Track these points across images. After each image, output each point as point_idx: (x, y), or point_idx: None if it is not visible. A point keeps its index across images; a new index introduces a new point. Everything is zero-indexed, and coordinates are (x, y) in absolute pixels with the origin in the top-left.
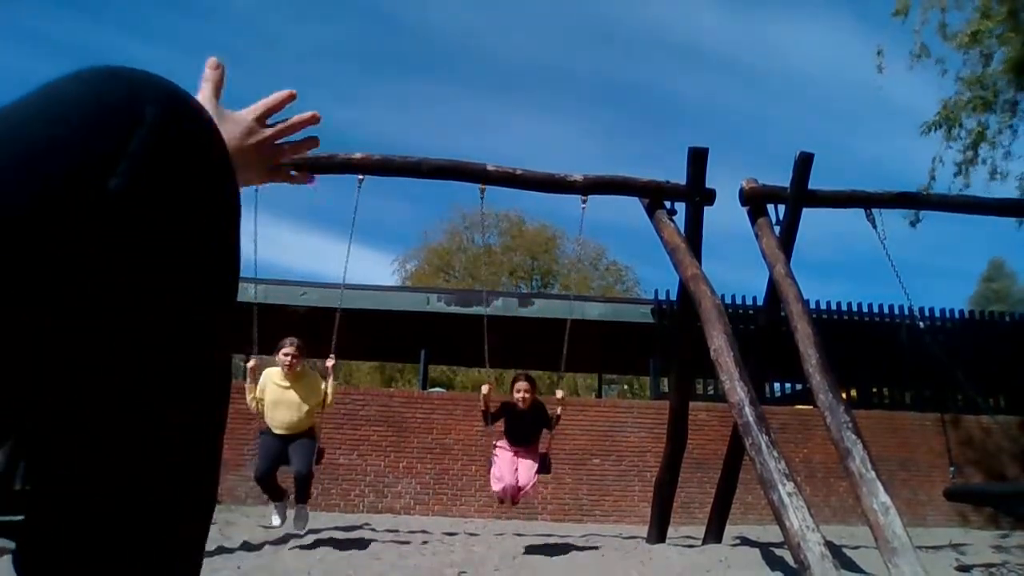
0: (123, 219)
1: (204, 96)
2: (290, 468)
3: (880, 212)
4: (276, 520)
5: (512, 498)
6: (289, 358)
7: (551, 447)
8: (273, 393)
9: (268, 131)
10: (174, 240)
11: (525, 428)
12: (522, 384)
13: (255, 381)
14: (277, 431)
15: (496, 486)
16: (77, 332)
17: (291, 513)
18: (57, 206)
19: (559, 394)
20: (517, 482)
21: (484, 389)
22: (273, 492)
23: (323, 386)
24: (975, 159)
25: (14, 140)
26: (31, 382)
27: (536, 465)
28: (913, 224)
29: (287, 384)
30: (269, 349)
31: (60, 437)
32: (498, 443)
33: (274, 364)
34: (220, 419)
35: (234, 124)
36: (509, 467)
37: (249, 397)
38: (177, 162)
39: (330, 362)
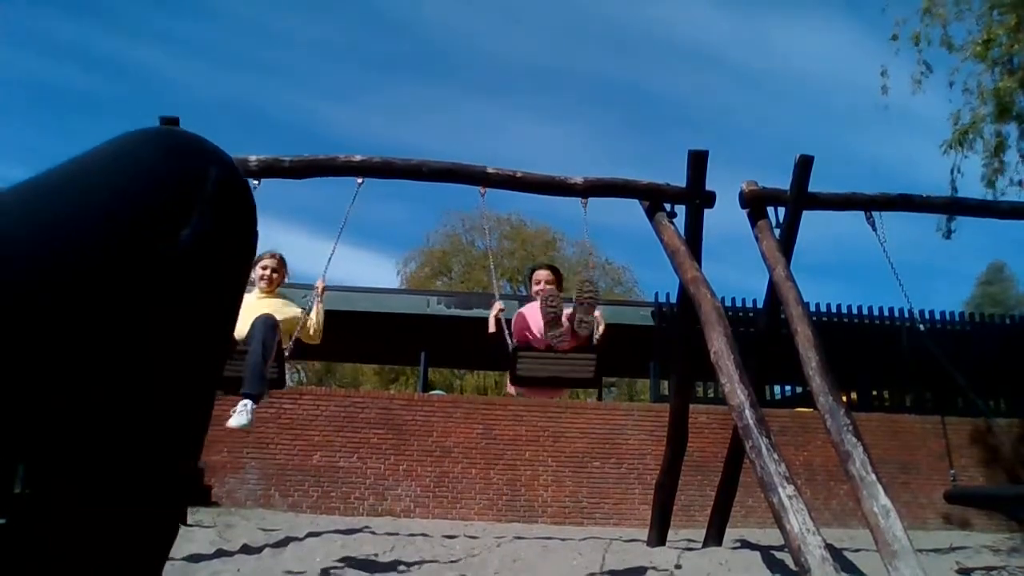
0: (189, 265)
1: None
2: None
3: (880, 215)
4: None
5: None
6: (268, 271)
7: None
8: (248, 310)
9: None
10: (222, 279)
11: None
12: (543, 273)
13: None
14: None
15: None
16: (128, 360)
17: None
18: (140, 255)
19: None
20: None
21: (496, 307)
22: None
23: (303, 309)
24: (1001, 168)
25: (97, 192)
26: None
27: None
28: (947, 236)
29: (262, 297)
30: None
31: (73, 449)
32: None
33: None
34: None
35: None
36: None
37: None
38: (231, 215)
39: (320, 283)
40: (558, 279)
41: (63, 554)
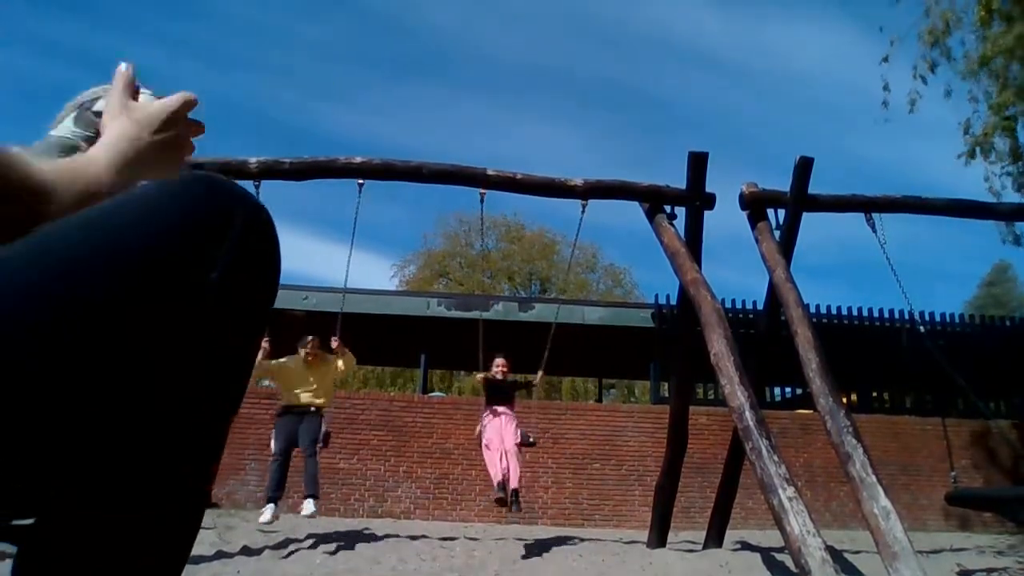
0: (218, 297)
1: (115, 91)
2: (299, 446)
3: (880, 216)
4: (266, 515)
5: (506, 481)
6: (312, 349)
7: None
8: (293, 376)
9: (172, 131)
10: (248, 310)
11: (504, 391)
12: (500, 360)
13: (267, 357)
14: (295, 404)
15: (492, 468)
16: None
17: (306, 505)
18: (174, 286)
19: (539, 375)
20: (504, 444)
21: (479, 376)
22: (278, 478)
23: (337, 361)
24: None
25: (136, 238)
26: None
27: (515, 421)
28: (1016, 242)
29: (307, 368)
30: (271, 352)
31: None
32: (484, 415)
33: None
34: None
35: (140, 118)
36: (496, 431)
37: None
38: (256, 253)
39: (335, 342)
40: (508, 363)
41: (82, 557)
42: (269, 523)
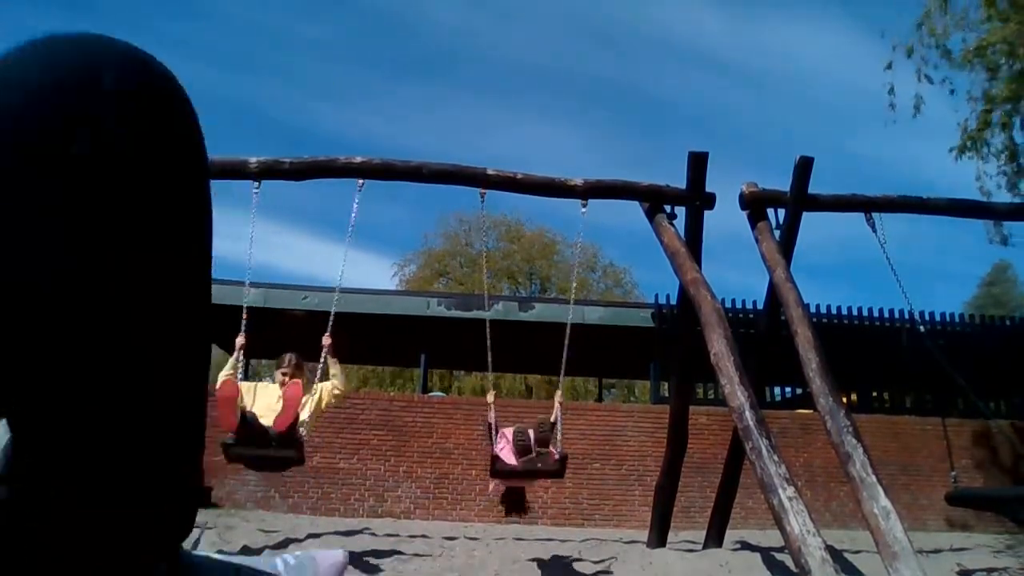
0: (96, 183)
1: None
2: None
3: (880, 216)
4: None
5: (514, 470)
6: (287, 378)
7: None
8: (263, 404)
9: None
10: (146, 208)
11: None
12: (515, 432)
13: (239, 360)
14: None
15: (501, 450)
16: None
17: None
18: (14, 168)
19: (558, 396)
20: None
21: (490, 397)
22: None
23: (318, 385)
24: (1020, 172)
25: None
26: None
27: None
28: (1004, 243)
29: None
30: (270, 352)
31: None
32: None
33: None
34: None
35: None
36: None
37: (225, 371)
38: (144, 128)
39: (326, 340)
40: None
41: (56, 549)
42: None
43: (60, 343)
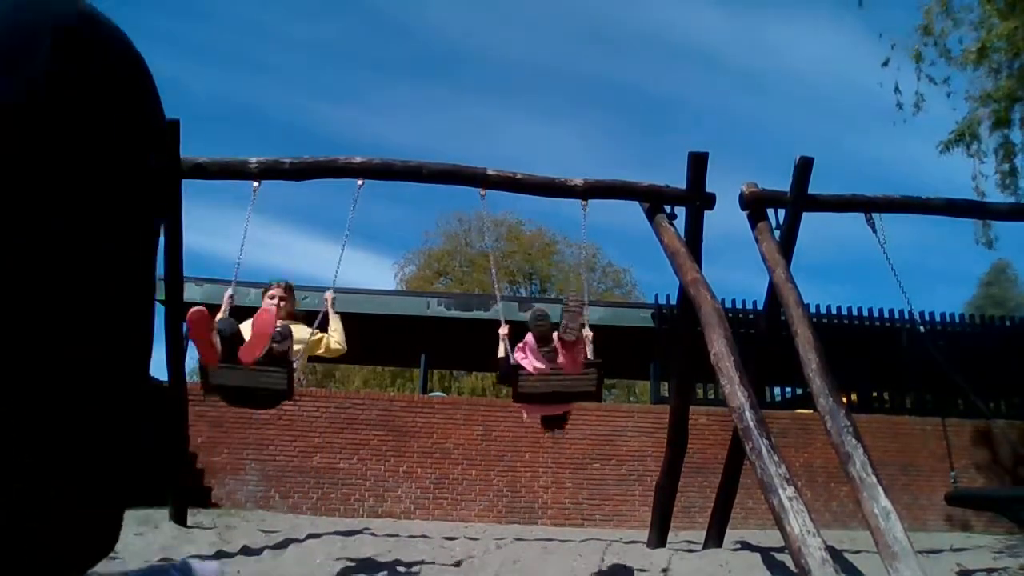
0: (30, 132)
1: None
2: None
3: (880, 217)
4: None
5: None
6: (276, 300)
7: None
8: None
9: None
10: (92, 161)
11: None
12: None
13: (225, 313)
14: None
15: (522, 360)
16: None
17: None
18: None
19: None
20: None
21: (503, 330)
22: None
23: (316, 331)
24: (1014, 171)
25: None
26: None
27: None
28: (989, 245)
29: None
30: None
31: None
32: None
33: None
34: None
35: None
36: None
37: (217, 318)
38: (90, 82)
39: (329, 295)
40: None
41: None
42: None
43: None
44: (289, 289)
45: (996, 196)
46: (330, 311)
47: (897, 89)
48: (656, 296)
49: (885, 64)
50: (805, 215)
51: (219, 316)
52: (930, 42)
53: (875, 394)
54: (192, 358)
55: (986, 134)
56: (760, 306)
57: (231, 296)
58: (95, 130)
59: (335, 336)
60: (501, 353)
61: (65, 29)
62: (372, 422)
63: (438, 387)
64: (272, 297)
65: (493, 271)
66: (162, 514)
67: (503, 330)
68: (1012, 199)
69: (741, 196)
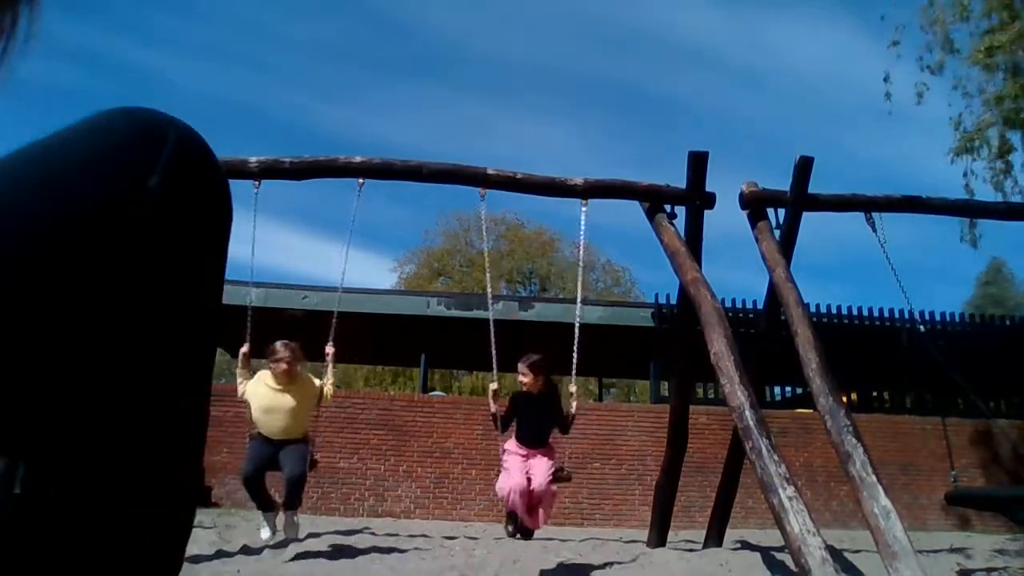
0: (161, 217)
1: None
2: (282, 472)
3: (880, 216)
4: (265, 533)
5: (524, 504)
6: (284, 364)
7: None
8: (266, 397)
9: None
10: (200, 236)
11: (537, 420)
12: (520, 366)
13: (247, 367)
14: (269, 437)
15: (504, 491)
16: (100, 323)
17: (280, 522)
18: (111, 201)
19: (572, 388)
20: (529, 484)
21: (492, 386)
22: (260, 499)
23: (320, 382)
24: (1008, 170)
25: (69, 153)
26: (45, 380)
27: (552, 464)
28: (973, 244)
29: (280, 388)
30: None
31: (62, 438)
32: (507, 445)
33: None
34: (205, 406)
35: None
36: (520, 469)
37: (240, 384)
38: (196, 172)
39: (330, 350)
40: (536, 370)
41: (62, 555)
42: (271, 538)
43: (63, 350)
44: (295, 351)
45: (988, 194)
46: (330, 366)
47: (887, 79)
48: (656, 295)
49: (895, 43)
50: (805, 215)
51: (239, 371)
52: (934, 43)
53: (875, 394)
54: None
55: (995, 137)
56: (760, 306)
57: (246, 354)
58: (189, 245)
59: (329, 389)
60: (492, 409)
61: (182, 140)
62: (372, 421)
63: (438, 386)
64: (278, 362)
65: (487, 276)
66: None
67: (492, 386)
68: (1002, 197)
69: (741, 195)
